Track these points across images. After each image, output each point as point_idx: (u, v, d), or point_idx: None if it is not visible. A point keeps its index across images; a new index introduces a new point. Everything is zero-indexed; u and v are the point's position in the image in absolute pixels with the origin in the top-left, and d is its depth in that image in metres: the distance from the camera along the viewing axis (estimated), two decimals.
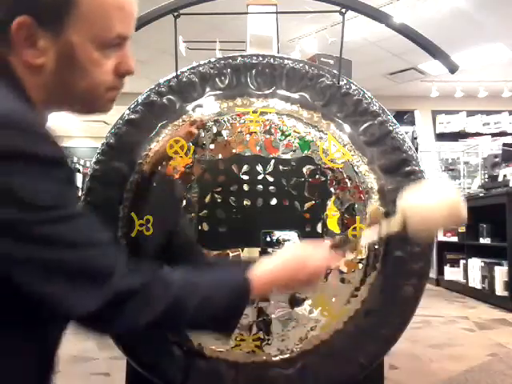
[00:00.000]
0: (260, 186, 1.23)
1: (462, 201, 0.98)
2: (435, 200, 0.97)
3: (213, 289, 0.83)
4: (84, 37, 0.77)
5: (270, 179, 1.23)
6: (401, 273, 1.22)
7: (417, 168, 1.23)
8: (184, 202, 1.23)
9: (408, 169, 1.23)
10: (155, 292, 0.78)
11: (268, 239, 1.22)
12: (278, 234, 1.23)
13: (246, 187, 1.23)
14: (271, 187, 1.23)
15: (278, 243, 1.22)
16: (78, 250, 0.73)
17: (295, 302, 1.22)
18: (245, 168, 1.23)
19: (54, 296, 0.72)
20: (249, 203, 1.23)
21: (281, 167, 1.23)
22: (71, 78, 0.79)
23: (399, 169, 1.23)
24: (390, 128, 1.25)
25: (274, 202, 1.23)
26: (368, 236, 1.02)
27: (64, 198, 0.74)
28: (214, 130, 1.24)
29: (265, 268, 0.90)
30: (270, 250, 1.22)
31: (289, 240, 1.23)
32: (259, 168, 1.23)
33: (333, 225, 1.23)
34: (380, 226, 1.00)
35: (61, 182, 0.74)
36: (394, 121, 1.27)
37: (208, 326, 0.85)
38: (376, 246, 1.20)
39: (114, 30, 0.78)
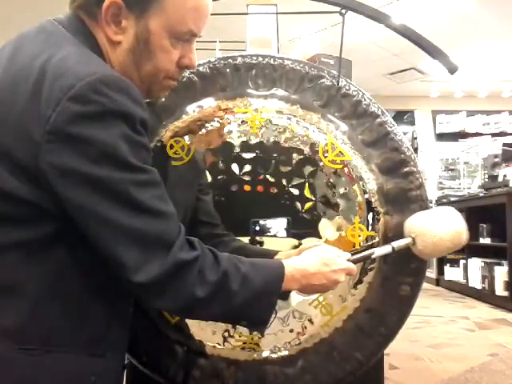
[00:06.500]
0: (260, 188, 1.24)
1: (466, 229, 1.13)
2: (445, 228, 1.11)
3: (251, 268, 0.88)
4: (160, 25, 0.85)
5: (271, 180, 1.23)
6: (398, 271, 1.23)
7: (414, 169, 1.24)
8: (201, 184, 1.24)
9: (406, 169, 1.23)
10: (208, 264, 0.83)
11: (257, 228, 1.23)
12: (266, 222, 1.23)
13: (247, 187, 1.24)
14: (271, 188, 1.24)
15: (265, 232, 1.23)
16: (150, 217, 0.78)
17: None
18: (246, 168, 1.24)
19: (121, 257, 0.76)
20: (248, 201, 1.24)
21: (281, 168, 1.23)
22: (140, 58, 0.87)
23: (397, 169, 1.24)
24: (389, 129, 1.25)
25: (273, 202, 1.24)
26: (381, 249, 1.12)
27: (147, 163, 0.79)
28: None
29: (293, 264, 0.95)
30: (258, 238, 1.24)
31: (275, 229, 1.24)
32: (260, 169, 1.23)
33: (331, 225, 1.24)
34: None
35: (146, 146, 0.80)
36: (393, 122, 1.27)
37: (245, 310, 0.88)
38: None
39: (187, 26, 0.87)
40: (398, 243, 1.12)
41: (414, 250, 1.14)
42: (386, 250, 1.12)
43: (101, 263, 0.80)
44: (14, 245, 0.77)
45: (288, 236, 1.23)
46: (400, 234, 1.18)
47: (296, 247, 1.19)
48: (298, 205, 1.23)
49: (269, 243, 1.23)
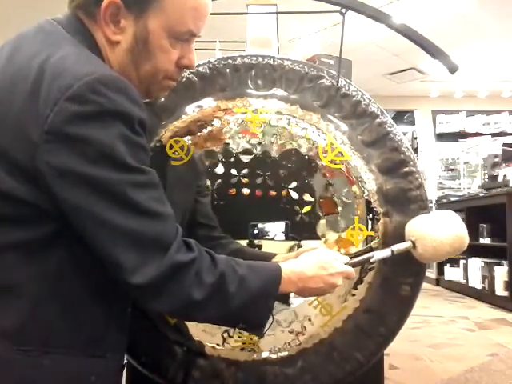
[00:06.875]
0: (260, 186, 1.24)
1: (466, 233, 1.14)
2: (446, 232, 1.10)
3: (249, 270, 0.88)
4: (160, 25, 0.85)
5: (270, 181, 1.23)
6: (399, 272, 1.23)
7: (414, 169, 1.24)
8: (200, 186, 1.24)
9: (406, 169, 1.23)
10: (205, 266, 0.82)
11: (256, 232, 1.23)
12: (264, 226, 1.23)
13: (246, 191, 1.24)
14: (270, 189, 1.24)
15: (263, 235, 1.23)
16: (147, 218, 0.77)
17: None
18: (244, 170, 1.24)
19: (118, 259, 0.76)
20: (247, 201, 1.24)
21: (280, 169, 1.23)
22: (139, 58, 0.87)
23: (397, 169, 1.24)
24: (389, 129, 1.25)
25: (273, 202, 1.24)
26: (380, 253, 1.11)
27: (145, 164, 0.79)
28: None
29: (290, 267, 0.95)
30: (256, 242, 1.24)
31: (273, 232, 1.23)
32: (259, 170, 1.23)
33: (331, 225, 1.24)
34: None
35: (144, 147, 0.80)
36: (392, 122, 1.27)
37: (242, 312, 0.87)
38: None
39: (186, 26, 0.87)
40: (398, 247, 1.11)
41: (414, 253, 1.13)
42: (385, 253, 1.11)
43: (100, 263, 0.79)
44: (13, 245, 0.77)
45: (287, 239, 1.23)
46: (400, 235, 1.18)
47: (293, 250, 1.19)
48: (298, 206, 1.23)
49: (267, 247, 1.24)
